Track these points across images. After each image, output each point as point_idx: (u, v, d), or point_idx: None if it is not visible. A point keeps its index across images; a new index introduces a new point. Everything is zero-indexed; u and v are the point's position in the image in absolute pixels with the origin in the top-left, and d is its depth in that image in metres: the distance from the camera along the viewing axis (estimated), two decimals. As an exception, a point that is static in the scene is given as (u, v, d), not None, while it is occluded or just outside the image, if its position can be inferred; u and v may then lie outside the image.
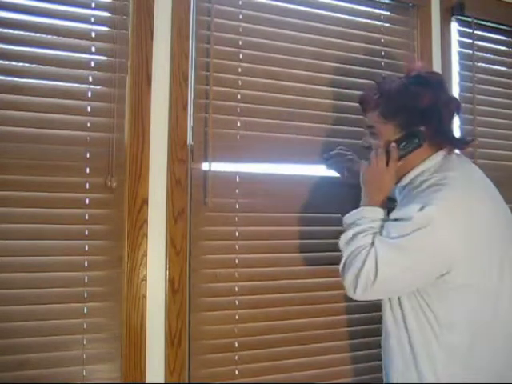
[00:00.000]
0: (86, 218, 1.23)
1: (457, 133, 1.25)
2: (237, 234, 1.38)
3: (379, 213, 1.14)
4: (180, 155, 1.32)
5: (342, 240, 1.13)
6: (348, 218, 1.17)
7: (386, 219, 1.13)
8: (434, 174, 1.12)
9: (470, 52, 1.75)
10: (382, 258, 1.04)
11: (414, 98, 1.13)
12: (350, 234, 1.12)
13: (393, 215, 1.11)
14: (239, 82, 1.40)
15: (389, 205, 1.18)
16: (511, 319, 1.09)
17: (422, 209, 1.03)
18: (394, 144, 1.15)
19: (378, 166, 1.17)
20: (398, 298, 1.12)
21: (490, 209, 1.13)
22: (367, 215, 1.13)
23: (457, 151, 1.23)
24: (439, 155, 1.16)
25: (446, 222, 1.04)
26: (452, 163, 1.15)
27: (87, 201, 1.23)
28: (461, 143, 1.23)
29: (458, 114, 1.21)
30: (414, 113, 1.13)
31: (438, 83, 1.18)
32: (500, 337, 1.08)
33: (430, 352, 1.08)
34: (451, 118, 1.19)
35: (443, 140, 1.17)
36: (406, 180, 1.18)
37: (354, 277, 1.06)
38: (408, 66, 1.24)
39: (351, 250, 1.09)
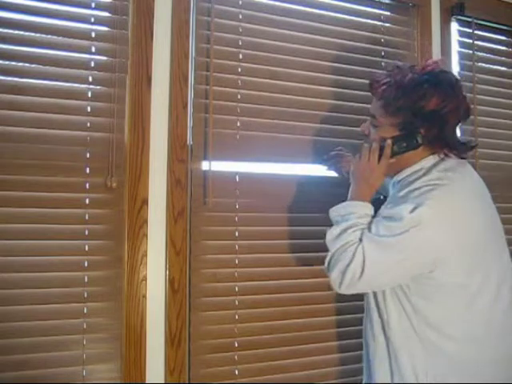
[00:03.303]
0: (86, 218, 1.23)
1: (458, 137, 1.20)
2: (237, 233, 1.38)
3: (368, 208, 1.13)
4: (180, 155, 1.32)
5: (329, 235, 1.12)
6: (335, 211, 1.15)
7: (374, 215, 1.12)
8: (428, 174, 1.11)
9: (470, 52, 1.75)
10: (369, 255, 1.04)
11: (419, 99, 1.10)
12: (338, 229, 1.11)
13: (384, 212, 1.10)
14: (239, 81, 1.40)
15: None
16: (495, 318, 1.09)
17: (413, 210, 1.03)
18: (389, 141, 1.13)
19: (370, 161, 1.16)
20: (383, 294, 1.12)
21: (481, 212, 1.13)
22: (355, 210, 1.12)
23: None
24: (436, 157, 1.15)
25: (436, 221, 1.03)
26: (448, 165, 1.14)
27: (87, 201, 1.23)
28: (462, 150, 1.17)
29: (466, 119, 1.18)
30: (417, 114, 1.10)
31: (450, 87, 1.13)
32: (489, 336, 1.08)
33: (410, 347, 1.08)
34: (456, 124, 1.15)
35: (443, 145, 1.14)
36: (401, 175, 1.16)
37: (340, 272, 1.06)
38: (425, 61, 1.19)
39: (339, 245, 1.08)
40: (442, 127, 1.11)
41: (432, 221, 1.03)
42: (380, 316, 1.14)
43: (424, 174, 1.11)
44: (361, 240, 1.07)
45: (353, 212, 1.12)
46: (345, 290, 1.08)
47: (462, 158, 1.17)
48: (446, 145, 1.14)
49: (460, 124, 1.18)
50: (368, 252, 1.04)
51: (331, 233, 1.12)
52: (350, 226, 1.10)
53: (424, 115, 1.10)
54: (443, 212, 1.04)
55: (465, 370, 1.06)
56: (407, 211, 1.03)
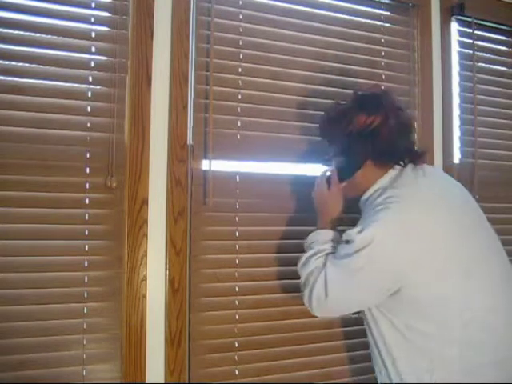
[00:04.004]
0: (86, 218, 1.23)
1: (408, 147, 1.22)
2: (237, 233, 1.38)
3: (329, 234, 1.22)
4: (180, 155, 1.32)
5: (298, 263, 1.21)
6: (305, 241, 1.25)
7: (338, 239, 1.19)
8: (383, 193, 1.15)
9: (470, 52, 1.75)
10: (330, 278, 1.11)
11: (347, 124, 1.18)
12: (304, 257, 1.20)
13: (344, 236, 1.15)
14: (239, 81, 1.40)
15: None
16: (483, 316, 1.09)
17: (360, 231, 1.08)
18: (333, 168, 1.25)
19: (322, 190, 1.26)
20: (369, 309, 1.16)
21: (446, 217, 1.12)
22: (318, 238, 1.21)
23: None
24: (392, 172, 1.18)
25: (385, 240, 1.06)
26: (402, 180, 1.16)
27: (87, 201, 1.23)
28: (412, 159, 1.20)
29: (406, 128, 1.20)
30: (349, 138, 1.18)
31: (374, 102, 1.19)
32: (484, 337, 1.08)
33: (409, 357, 1.10)
34: (393, 136, 1.17)
35: (388, 159, 1.18)
36: (365, 197, 1.22)
37: (308, 297, 1.15)
38: (358, 88, 1.29)
39: (306, 272, 1.17)
40: (376, 142, 1.16)
41: (381, 240, 1.06)
42: (374, 334, 1.16)
43: (380, 194, 1.16)
44: (325, 265, 1.14)
45: (316, 240, 1.21)
46: (318, 313, 1.17)
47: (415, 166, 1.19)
48: (391, 158, 1.18)
49: (402, 134, 1.19)
50: (329, 275, 1.11)
51: (299, 261, 1.21)
52: (314, 253, 1.18)
53: (356, 136, 1.17)
54: (392, 230, 1.07)
55: (465, 372, 1.06)
56: (355, 233, 1.09)
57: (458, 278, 1.09)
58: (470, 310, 1.08)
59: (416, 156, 1.21)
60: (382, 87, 1.30)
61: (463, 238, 1.13)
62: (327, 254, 1.17)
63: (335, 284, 1.10)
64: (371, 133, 1.16)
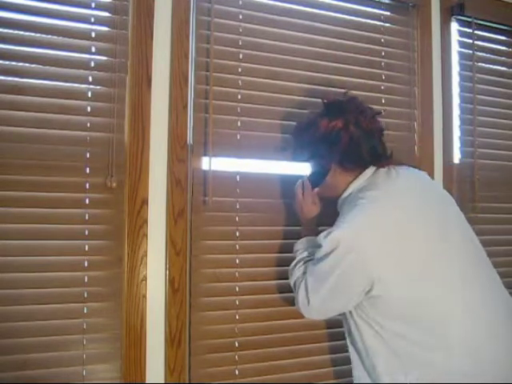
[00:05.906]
0: (86, 218, 1.23)
1: (374, 149, 1.20)
2: (237, 233, 1.38)
3: (308, 241, 1.27)
4: (180, 155, 1.32)
5: (289, 271, 1.28)
6: (293, 249, 1.31)
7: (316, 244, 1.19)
8: (356, 195, 1.16)
9: (470, 52, 1.75)
10: (310, 286, 1.15)
11: (314, 131, 1.22)
12: (291, 266, 1.27)
13: (317, 240, 1.16)
14: (239, 81, 1.40)
15: None
16: (461, 319, 1.08)
17: (327, 235, 1.10)
18: (305, 175, 1.32)
19: (297, 198, 1.32)
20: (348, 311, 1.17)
21: (417, 219, 1.12)
22: (298, 247, 1.29)
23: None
24: (366, 174, 1.20)
25: (352, 241, 1.07)
26: (375, 181, 1.17)
27: (87, 201, 1.23)
28: (376, 162, 1.20)
29: (371, 131, 1.19)
30: (315, 144, 1.23)
31: (335, 108, 1.21)
32: (454, 344, 1.07)
33: (385, 357, 1.11)
34: (357, 139, 1.17)
35: (350, 162, 1.19)
36: (339, 202, 1.24)
37: (297, 305, 1.20)
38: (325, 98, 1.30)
39: (292, 282, 1.25)
40: (337, 147, 1.18)
41: (348, 241, 1.07)
42: (352, 333, 1.18)
43: (354, 197, 1.17)
44: (305, 273, 1.19)
45: (297, 249, 1.29)
46: (308, 317, 1.21)
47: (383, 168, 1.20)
48: (354, 162, 1.19)
49: (365, 138, 1.19)
50: (308, 283, 1.16)
51: (288, 269, 1.28)
52: (296, 262, 1.25)
53: (320, 141, 1.20)
54: (359, 231, 1.08)
55: (443, 372, 1.05)
56: (322, 237, 1.11)
57: (435, 281, 1.08)
58: (450, 313, 1.07)
59: (382, 159, 1.21)
60: (349, 94, 1.31)
61: (441, 240, 1.12)
62: (308, 262, 1.21)
63: (313, 291, 1.14)
64: (333, 138, 1.18)
